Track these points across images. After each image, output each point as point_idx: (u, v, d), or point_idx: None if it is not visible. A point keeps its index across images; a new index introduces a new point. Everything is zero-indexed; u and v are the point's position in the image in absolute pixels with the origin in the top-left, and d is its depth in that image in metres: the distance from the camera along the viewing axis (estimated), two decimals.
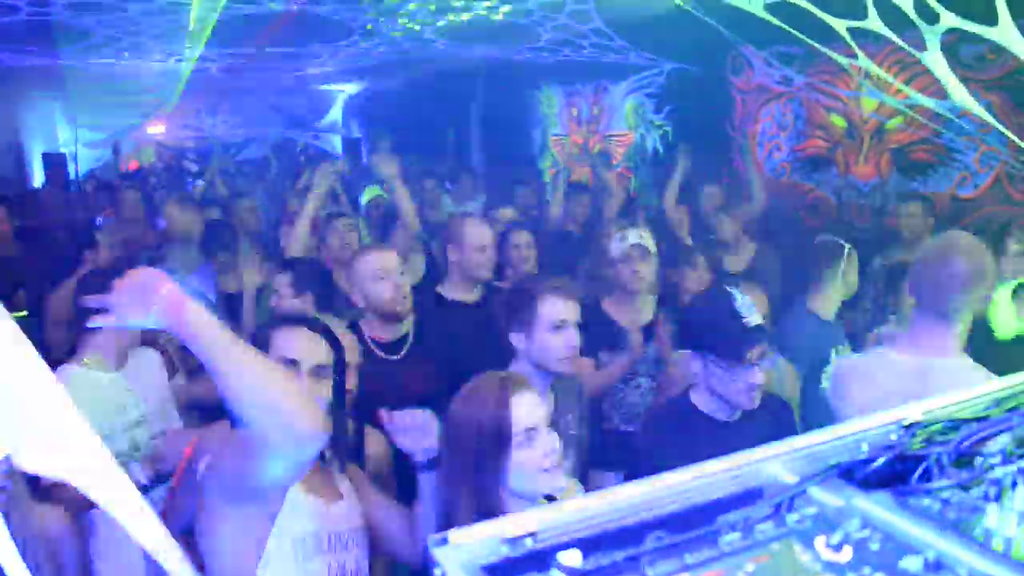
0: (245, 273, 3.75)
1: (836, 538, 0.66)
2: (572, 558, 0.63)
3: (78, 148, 11.62)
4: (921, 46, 3.30)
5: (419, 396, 2.03)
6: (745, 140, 6.47)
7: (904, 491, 0.72)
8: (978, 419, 0.82)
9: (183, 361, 3.27)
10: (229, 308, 3.72)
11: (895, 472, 0.75)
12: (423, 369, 2.83)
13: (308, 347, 1.91)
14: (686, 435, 2.17)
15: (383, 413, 1.94)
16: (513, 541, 0.65)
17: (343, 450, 2.02)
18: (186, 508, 2.02)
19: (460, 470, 1.73)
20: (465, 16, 5.60)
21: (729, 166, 6.56)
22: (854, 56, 3.97)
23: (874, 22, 3.36)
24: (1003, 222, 3.91)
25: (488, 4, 5.31)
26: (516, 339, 2.44)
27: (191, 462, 2.18)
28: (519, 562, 0.65)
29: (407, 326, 3.01)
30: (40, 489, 1.74)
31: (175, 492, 2.17)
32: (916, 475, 0.74)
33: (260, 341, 1.88)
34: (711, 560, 0.65)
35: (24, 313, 4.31)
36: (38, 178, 11.36)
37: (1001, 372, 1.02)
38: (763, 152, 6.38)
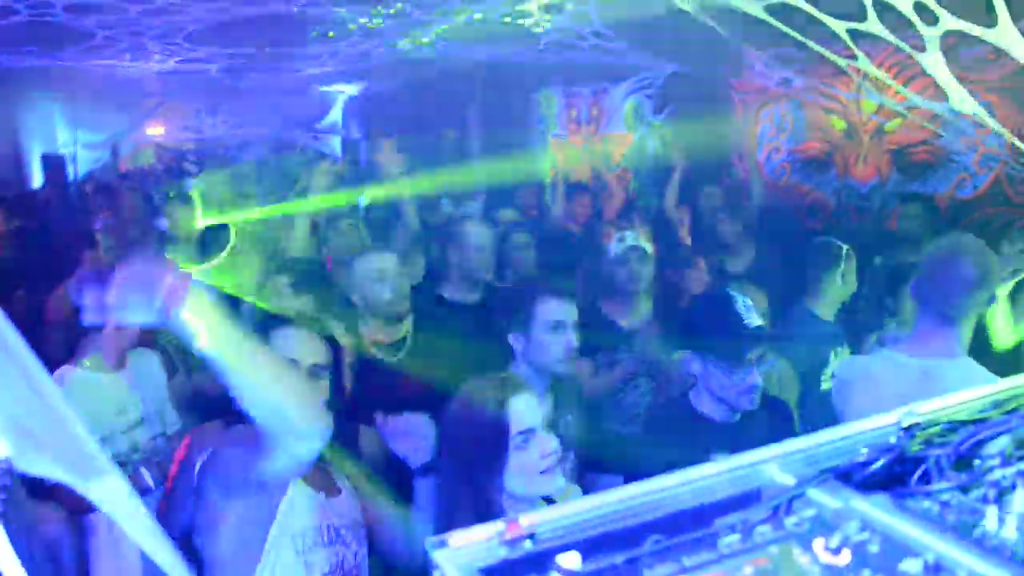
0: (244, 273, 3.76)
1: (835, 541, 0.66)
2: (571, 560, 0.63)
3: (77, 149, 11.62)
4: (920, 48, 3.31)
5: (418, 397, 2.04)
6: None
7: (903, 493, 0.72)
8: (977, 421, 0.82)
9: (183, 361, 3.27)
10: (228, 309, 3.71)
11: (894, 474, 0.75)
12: (422, 371, 2.83)
13: (306, 347, 1.91)
14: (686, 436, 2.18)
15: (379, 417, 1.95)
16: (512, 543, 0.65)
17: (339, 449, 2.03)
18: (182, 507, 2.02)
19: (458, 472, 1.73)
20: (464, 16, 5.60)
21: (728, 167, 6.57)
22: (853, 58, 3.97)
23: (873, 24, 3.36)
24: (1002, 223, 3.92)
25: (488, 6, 5.31)
26: (514, 340, 2.44)
27: (183, 463, 2.18)
28: (518, 564, 0.65)
29: (406, 328, 3.01)
30: (40, 489, 1.74)
31: (170, 493, 2.17)
32: (915, 477, 0.74)
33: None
34: (710, 563, 0.65)
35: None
36: (37, 179, 11.36)
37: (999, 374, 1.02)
38: (762, 153, 6.39)
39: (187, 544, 1.72)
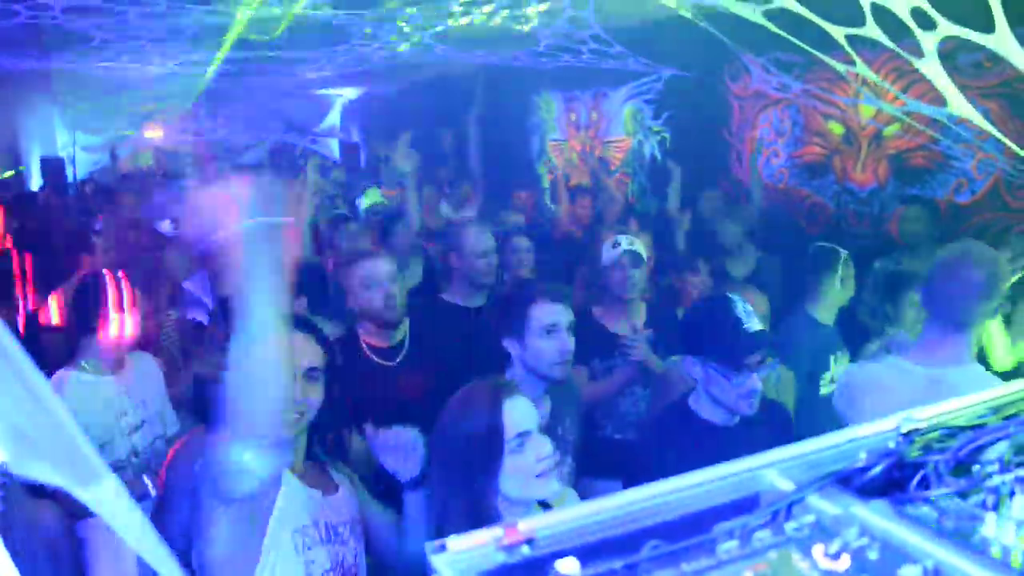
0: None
1: (834, 547, 0.66)
2: (569, 566, 0.63)
3: (76, 152, 11.62)
4: (918, 53, 3.32)
5: (414, 402, 2.03)
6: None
7: (902, 499, 0.72)
8: (976, 427, 0.82)
9: (185, 361, 3.27)
10: (226, 311, 3.71)
11: (893, 480, 0.75)
12: (418, 375, 2.81)
13: (301, 349, 1.91)
14: (685, 440, 2.17)
15: (369, 429, 1.94)
16: (510, 548, 0.65)
17: (333, 450, 2.02)
18: (175, 511, 2.02)
19: (453, 476, 1.73)
20: (464, 21, 5.61)
21: (727, 172, 6.58)
22: (852, 63, 3.98)
23: (872, 29, 3.37)
24: (1000, 228, 3.93)
25: (487, 10, 5.32)
26: (509, 344, 2.43)
27: (170, 468, 2.17)
28: (516, 569, 0.64)
29: (403, 332, 3.00)
30: (38, 491, 1.74)
31: (160, 498, 2.16)
32: (914, 483, 0.74)
33: None
34: (708, 569, 0.65)
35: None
36: (36, 181, 11.36)
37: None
38: (761, 158, 6.40)
39: (185, 549, 1.71)
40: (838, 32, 3.65)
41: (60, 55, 6.80)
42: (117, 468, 2.56)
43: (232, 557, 1.66)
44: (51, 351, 3.32)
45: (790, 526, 0.70)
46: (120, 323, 2.73)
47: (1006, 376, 3.08)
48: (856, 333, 3.46)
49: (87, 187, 9.97)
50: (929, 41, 3.15)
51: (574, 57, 6.48)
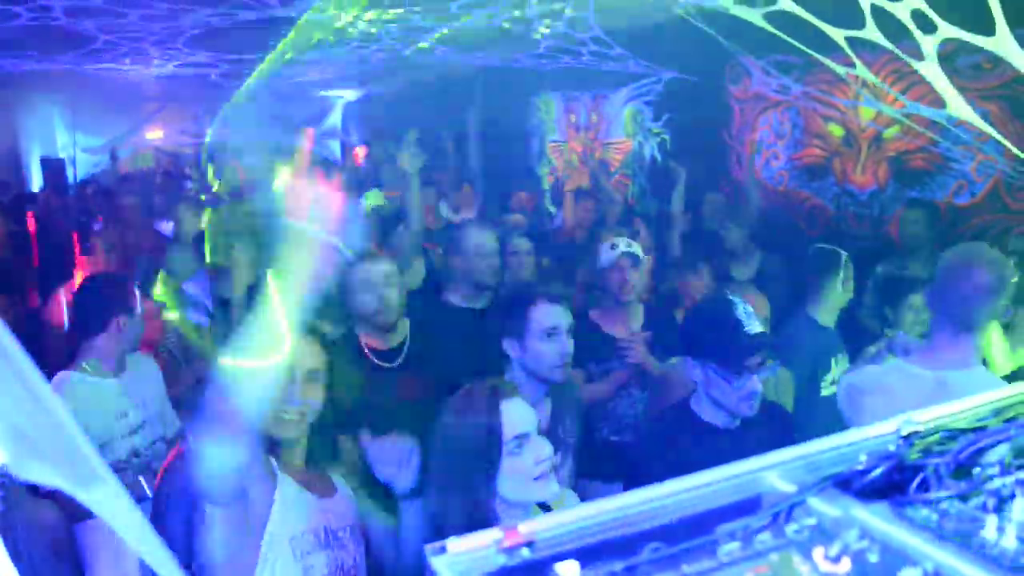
0: (237, 276, 3.74)
1: (835, 549, 0.66)
2: (569, 569, 0.63)
3: (76, 153, 11.63)
4: (918, 55, 3.32)
5: (413, 404, 2.02)
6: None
7: (902, 502, 0.72)
8: (976, 429, 0.82)
9: (187, 361, 3.28)
10: (225, 313, 3.72)
11: (893, 482, 0.75)
12: (418, 377, 2.81)
13: (302, 351, 1.90)
14: (686, 442, 2.17)
15: (364, 437, 1.93)
16: (510, 551, 0.65)
17: (331, 453, 2.02)
18: (174, 512, 2.01)
19: (451, 478, 1.73)
20: (464, 21, 5.62)
21: (727, 174, 6.58)
22: (852, 65, 3.99)
23: (872, 32, 3.38)
24: (1000, 230, 3.93)
25: (488, 12, 5.32)
26: (509, 346, 2.43)
27: (169, 469, 2.17)
28: (516, 572, 0.64)
29: (403, 334, 2.99)
30: (39, 491, 1.74)
31: (156, 499, 2.16)
32: (914, 486, 0.74)
33: None
34: (709, 571, 0.65)
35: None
36: (36, 182, 11.36)
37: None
38: (761, 160, 6.40)
39: (185, 551, 1.71)
40: (838, 34, 3.65)
41: (62, 56, 6.80)
42: (117, 469, 2.56)
43: (227, 559, 1.65)
44: (52, 352, 3.32)
45: (791, 528, 0.70)
46: (120, 324, 2.73)
47: (1006, 380, 3.07)
48: (856, 335, 3.46)
49: (88, 188, 9.98)
50: (929, 43, 3.15)
51: (574, 59, 6.48)
